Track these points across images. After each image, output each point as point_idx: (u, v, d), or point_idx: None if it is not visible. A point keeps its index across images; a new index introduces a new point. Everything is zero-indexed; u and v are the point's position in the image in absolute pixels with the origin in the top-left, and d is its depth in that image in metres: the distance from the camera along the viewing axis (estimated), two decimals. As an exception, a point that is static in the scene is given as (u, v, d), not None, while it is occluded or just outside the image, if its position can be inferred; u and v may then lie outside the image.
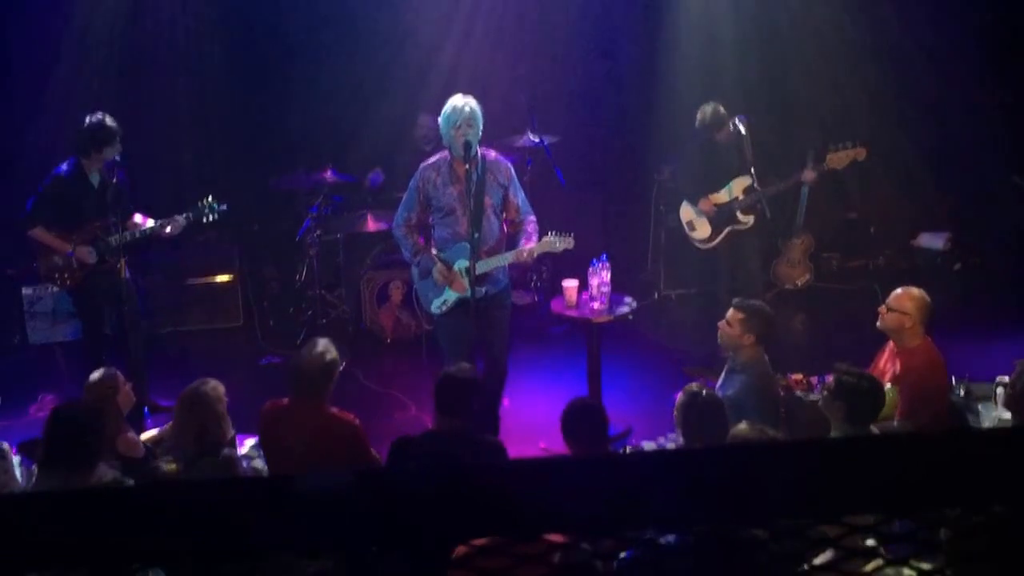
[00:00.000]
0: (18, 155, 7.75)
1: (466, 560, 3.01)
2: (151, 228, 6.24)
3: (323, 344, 4.67)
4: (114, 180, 6.17)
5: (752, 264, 7.12)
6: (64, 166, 6.18)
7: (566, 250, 5.58)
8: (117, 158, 6.20)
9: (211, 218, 6.37)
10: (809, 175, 6.83)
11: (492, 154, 5.62)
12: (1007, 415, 4.80)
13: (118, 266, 6.16)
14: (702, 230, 7.05)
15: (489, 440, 4.77)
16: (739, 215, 6.92)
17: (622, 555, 3.15)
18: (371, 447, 4.74)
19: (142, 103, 7.98)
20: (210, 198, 6.34)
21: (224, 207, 6.35)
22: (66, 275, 6.21)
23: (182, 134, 8.26)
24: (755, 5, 7.99)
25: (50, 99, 7.90)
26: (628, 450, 5.62)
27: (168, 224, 6.23)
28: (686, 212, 7.15)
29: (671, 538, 2.65)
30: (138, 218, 6.34)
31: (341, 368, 4.81)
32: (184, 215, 6.26)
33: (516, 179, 5.62)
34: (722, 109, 6.78)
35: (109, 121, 6.12)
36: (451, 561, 3.07)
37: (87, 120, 6.12)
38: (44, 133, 7.74)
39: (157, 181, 7.49)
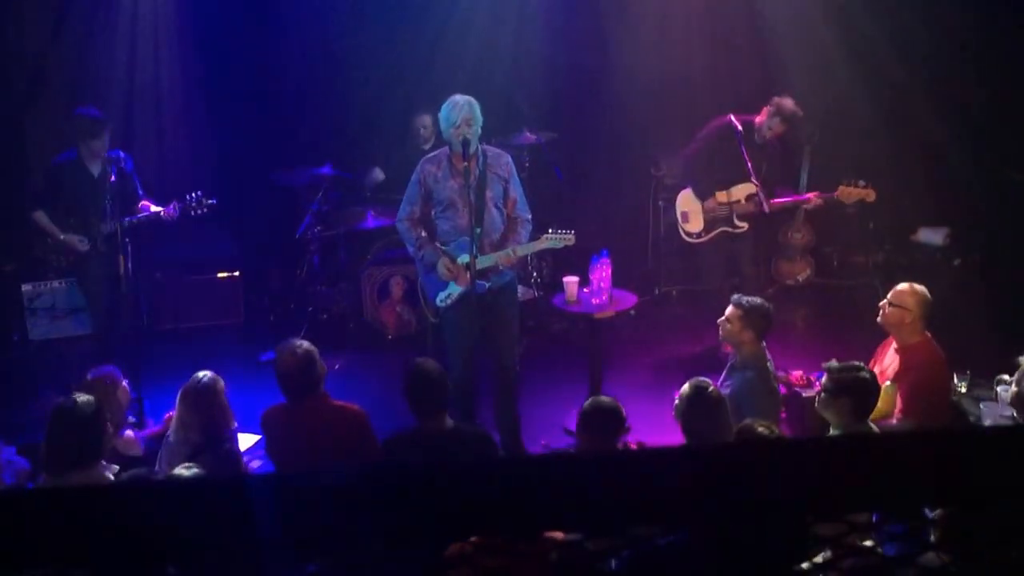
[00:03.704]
0: (16, 151, 7.75)
1: (466, 558, 3.01)
2: (143, 216, 6.35)
3: (291, 343, 4.67)
4: (117, 169, 6.35)
5: (747, 269, 7.05)
6: (64, 155, 6.41)
7: (567, 246, 5.58)
8: (121, 153, 6.42)
9: (200, 212, 6.42)
10: (815, 201, 6.79)
11: (492, 149, 5.62)
12: (1008, 411, 4.79)
13: (119, 257, 6.22)
14: (695, 223, 7.00)
15: (476, 432, 4.77)
16: (735, 219, 6.88)
17: (622, 554, 3.15)
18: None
19: (143, 98, 7.97)
20: (199, 192, 6.42)
21: (213, 201, 6.42)
22: (61, 257, 6.49)
23: (183, 128, 8.25)
24: (754, 2, 7.97)
25: (50, 93, 7.89)
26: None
27: (161, 210, 6.34)
28: (685, 200, 7.04)
29: (671, 537, 2.65)
30: (152, 208, 6.45)
31: (336, 368, 4.79)
32: (173, 204, 6.36)
33: (516, 173, 5.61)
34: (798, 111, 6.75)
35: (95, 113, 6.35)
36: (450, 560, 3.07)
37: (78, 112, 6.36)
38: (43, 128, 7.74)
39: (158, 176, 7.48)
